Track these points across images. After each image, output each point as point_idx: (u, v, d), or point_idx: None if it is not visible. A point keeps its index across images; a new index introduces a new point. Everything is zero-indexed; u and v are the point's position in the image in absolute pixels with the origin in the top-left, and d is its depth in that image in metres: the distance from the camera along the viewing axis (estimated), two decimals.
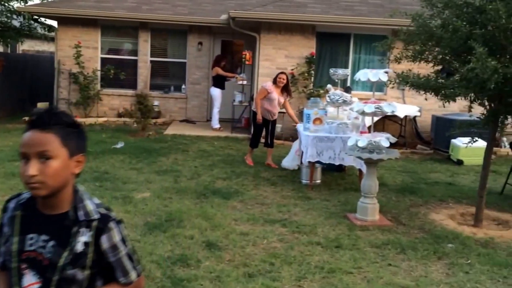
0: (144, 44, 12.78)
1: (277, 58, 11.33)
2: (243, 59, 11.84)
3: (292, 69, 11.26)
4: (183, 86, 13.00)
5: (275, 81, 7.98)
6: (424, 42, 5.57)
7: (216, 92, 11.59)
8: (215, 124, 11.63)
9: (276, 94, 7.93)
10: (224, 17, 11.99)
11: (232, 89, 12.06)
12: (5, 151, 8.40)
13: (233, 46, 13.92)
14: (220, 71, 11.51)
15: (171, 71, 13.27)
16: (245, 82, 11.62)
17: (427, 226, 5.54)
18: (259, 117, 8.01)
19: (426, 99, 5.81)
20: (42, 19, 13.45)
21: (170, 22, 12.31)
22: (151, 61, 12.84)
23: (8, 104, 13.17)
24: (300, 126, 7.93)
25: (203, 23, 12.39)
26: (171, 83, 13.08)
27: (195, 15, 12.44)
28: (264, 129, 8.24)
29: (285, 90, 8.05)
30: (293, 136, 10.94)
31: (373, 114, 5.71)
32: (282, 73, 8.09)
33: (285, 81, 7.94)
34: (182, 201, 6.07)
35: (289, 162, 8.25)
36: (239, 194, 6.52)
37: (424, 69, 6.11)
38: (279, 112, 11.07)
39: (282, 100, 8.07)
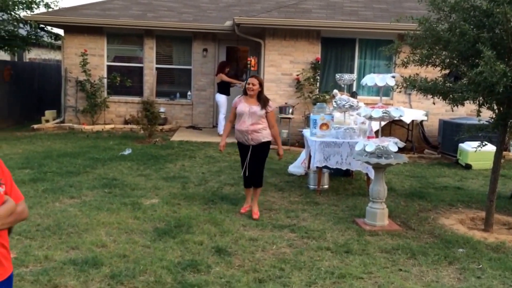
0: (150, 51, 12.84)
1: (282, 63, 11.36)
2: (248, 65, 11.87)
3: (297, 75, 11.29)
4: (189, 93, 13.05)
5: (244, 90, 5.96)
6: (431, 46, 5.57)
7: (221, 98, 11.62)
8: (221, 130, 11.65)
9: (244, 106, 5.78)
10: (229, 23, 12.05)
11: (237, 95, 12.00)
12: (15, 159, 8.44)
13: (238, 52, 13.97)
14: (224, 77, 11.54)
15: (177, 77, 13.33)
16: None
17: (437, 231, 5.51)
18: (222, 143, 6.10)
19: (434, 103, 5.78)
20: (49, 28, 13.54)
21: (175, 29, 12.39)
22: (157, 68, 12.91)
23: (17, 112, 13.25)
24: (306, 132, 7.94)
25: (208, 29, 12.45)
26: (177, 90, 13.13)
27: (200, 22, 12.50)
28: (244, 160, 5.94)
29: (259, 99, 5.83)
30: (299, 141, 10.95)
31: (381, 119, 5.71)
32: (252, 77, 5.99)
33: (255, 87, 5.78)
34: (191, 207, 6.08)
35: (296, 168, 8.24)
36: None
37: (431, 73, 6.11)
38: (283, 118, 11.19)
39: (260, 112, 5.75)
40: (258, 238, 5.10)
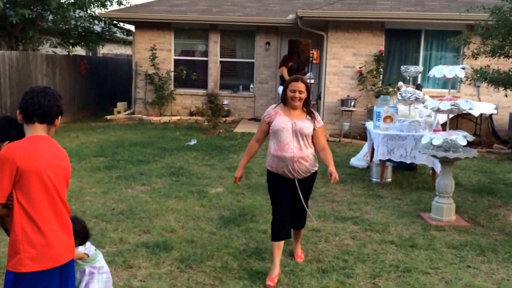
0: (214, 45, 13.16)
1: (344, 56, 11.26)
2: (311, 58, 11.88)
3: (360, 67, 11.16)
4: (251, 85, 13.27)
5: (284, 99, 4.09)
6: (504, 37, 5.38)
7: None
8: None
9: (284, 120, 4.01)
10: (291, 16, 12.09)
11: None
12: (90, 147, 9.00)
13: (300, 45, 14.00)
14: (285, 72, 11.62)
15: (240, 70, 13.58)
16: (312, 81, 11.64)
17: (508, 228, 5.33)
18: (238, 172, 4.21)
19: (506, 95, 5.58)
20: (121, 24, 14.23)
21: (239, 23, 12.62)
22: (221, 62, 13.22)
23: (91, 104, 14.05)
24: (369, 124, 7.87)
25: (270, 23, 12.57)
26: (239, 83, 13.39)
27: (263, 16, 12.65)
28: (282, 200, 4.10)
29: (307, 110, 4.08)
30: (361, 134, 10.84)
31: (449, 111, 5.58)
32: (295, 80, 4.03)
33: (303, 96, 3.99)
34: (254, 197, 6.24)
35: (358, 160, 8.20)
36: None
37: (503, 64, 5.88)
38: (345, 111, 11.13)
39: (309, 129, 4.01)
40: (320, 229, 5.17)
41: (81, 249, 3.00)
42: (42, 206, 2.23)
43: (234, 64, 13.48)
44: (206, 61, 13.26)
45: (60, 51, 14.01)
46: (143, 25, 12.98)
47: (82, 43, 13.78)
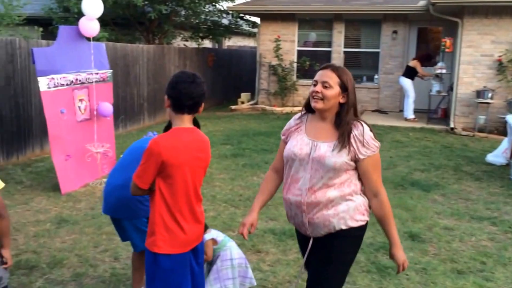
0: (338, 35, 12.97)
1: (482, 44, 10.38)
2: (442, 47, 11.14)
3: (499, 56, 10.21)
4: (376, 76, 12.86)
5: (308, 105, 2.49)
6: None
7: (406, 82, 11.19)
8: (409, 114, 11.22)
9: (304, 141, 2.44)
10: (422, 3, 11.45)
11: (425, 87, 11.49)
12: (217, 136, 9.46)
13: (430, 33, 13.20)
14: (418, 66, 11.05)
15: (364, 61, 13.23)
16: (444, 71, 10.95)
17: None
18: (248, 218, 2.55)
19: None
20: (247, 17, 14.69)
21: (365, 12, 12.28)
22: (344, 52, 12.99)
23: (218, 94, 14.76)
24: (510, 118, 7.19)
25: (399, 10, 12.03)
26: (363, 73, 13.05)
27: (390, 3, 12.14)
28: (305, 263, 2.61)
29: (340, 122, 2.39)
30: (499, 128, 9.96)
31: None
32: (323, 67, 2.43)
33: (329, 93, 2.35)
34: None
35: (496, 157, 7.54)
36: (440, 187, 6.23)
37: None
38: (481, 103, 10.28)
39: (332, 158, 2.33)
40: (454, 228, 4.86)
41: (208, 235, 3.01)
42: (179, 195, 2.36)
43: (357, 54, 13.16)
44: (329, 52, 13.12)
45: (190, 44, 14.88)
46: (268, 17, 13.24)
47: (211, 36, 14.48)
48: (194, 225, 2.45)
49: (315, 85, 2.40)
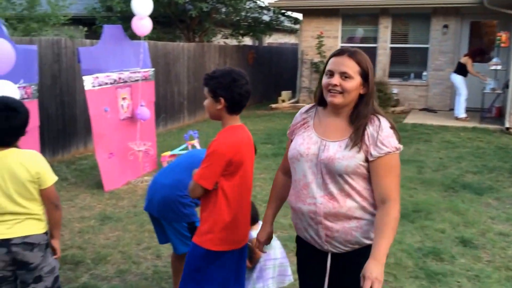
0: (384, 30, 12.56)
1: None
2: (498, 41, 10.55)
3: None
4: (424, 73, 12.35)
5: (321, 98, 2.12)
6: None
7: (458, 79, 10.65)
8: (461, 113, 10.70)
9: (311, 140, 2.08)
10: None
11: (478, 85, 10.92)
12: (258, 134, 9.34)
13: (484, 27, 12.56)
14: (469, 64, 10.48)
15: (411, 57, 12.75)
16: (499, 67, 10.37)
17: None
18: (261, 235, 2.40)
19: None
20: (289, 13, 14.47)
21: (413, 6, 11.82)
22: (391, 48, 12.56)
23: (257, 92, 14.64)
24: None
25: (450, 3, 11.48)
26: (411, 70, 12.57)
27: None
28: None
29: (355, 117, 2.03)
30: None
31: None
32: (338, 53, 2.07)
33: (348, 82, 2.00)
34: (428, 193, 5.76)
35: None
36: (494, 191, 5.85)
37: None
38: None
39: (343, 160, 1.97)
40: (510, 234, 4.54)
41: (253, 234, 2.91)
42: (241, 192, 2.41)
43: (405, 50, 12.69)
44: (375, 48, 12.71)
45: (230, 41, 14.83)
46: (311, 13, 12.98)
47: (251, 33, 14.32)
48: (248, 222, 2.52)
49: (331, 76, 2.02)
